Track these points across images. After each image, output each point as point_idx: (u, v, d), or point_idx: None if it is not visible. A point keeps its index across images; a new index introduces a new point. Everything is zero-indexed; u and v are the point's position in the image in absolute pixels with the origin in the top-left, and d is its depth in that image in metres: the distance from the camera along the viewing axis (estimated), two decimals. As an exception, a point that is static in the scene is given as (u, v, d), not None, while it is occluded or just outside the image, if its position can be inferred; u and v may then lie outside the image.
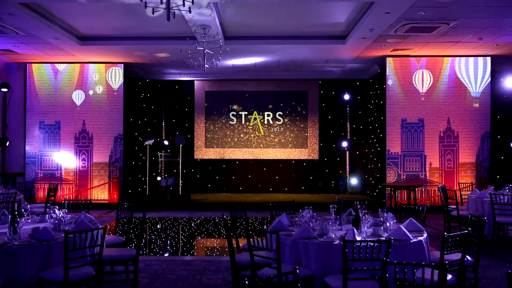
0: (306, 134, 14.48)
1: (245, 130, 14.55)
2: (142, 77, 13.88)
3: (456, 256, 4.42)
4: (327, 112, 14.48)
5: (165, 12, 6.26)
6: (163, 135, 14.31)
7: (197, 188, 14.31)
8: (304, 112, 14.50)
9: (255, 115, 14.55)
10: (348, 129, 14.38)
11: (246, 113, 14.56)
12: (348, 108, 14.35)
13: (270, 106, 14.53)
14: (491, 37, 9.76)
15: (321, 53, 11.38)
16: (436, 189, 11.22)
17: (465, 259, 4.50)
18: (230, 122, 14.56)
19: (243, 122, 14.55)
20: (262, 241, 4.48)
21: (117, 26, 9.69)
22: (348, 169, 14.25)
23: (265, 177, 14.48)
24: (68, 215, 5.25)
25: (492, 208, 7.20)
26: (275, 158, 14.49)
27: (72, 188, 12.33)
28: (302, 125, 14.52)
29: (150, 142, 13.02)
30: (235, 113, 14.57)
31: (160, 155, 13.25)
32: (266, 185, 14.45)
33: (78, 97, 12.30)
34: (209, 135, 14.57)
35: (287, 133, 14.53)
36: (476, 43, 10.29)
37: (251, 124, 14.55)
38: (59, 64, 12.32)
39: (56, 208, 5.49)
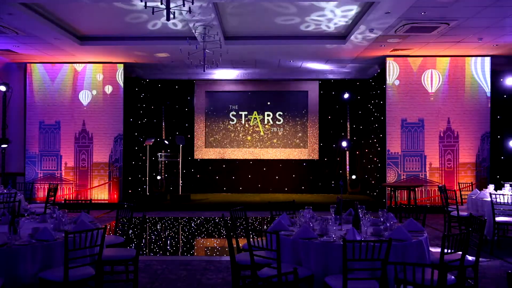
0: (306, 134, 14.48)
1: (245, 130, 14.55)
2: (142, 77, 13.88)
3: (456, 256, 4.42)
4: (327, 112, 14.48)
5: (165, 12, 6.26)
6: (163, 135, 14.31)
7: (197, 188, 14.31)
8: (304, 112, 14.50)
9: (255, 115, 14.55)
10: (348, 129, 14.37)
11: (246, 113, 14.56)
12: (348, 108, 14.34)
13: (270, 106, 14.53)
14: (491, 37, 9.77)
15: (321, 53, 11.37)
16: (436, 189, 11.22)
17: (465, 259, 4.50)
18: (230, 122, 14.56)
19: (243, 122, 14.55)
20: (262, 241, 4.48)
21: (117, 26, 9.70)
22: (348, 169, 14.24)
23: (265, 177, 14.48)
24: (68, 215, 5.25)
25: (492, 208, 7.20)
26: (275, 158, 14.49)
27: (72, 188, 12.33)
28: (302, 125, 14.52)
29: (150, 142, 13.02)
30: (235, 113, 14.57)
31: (160, 155, 13.25)
32: (266, 185, 14.45)
33: (84, 97, 12.31)
34: (209, 135, 14.57)
35: (287, 133, 14.53)
36: (476, 43, 10.30)
37: (251, 124, 14.55)
38: (59, 64, 12.32)
39: (56, 208, 5.49)
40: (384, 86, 11.80)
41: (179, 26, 9.35)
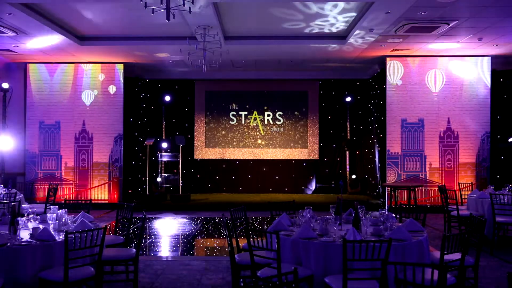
0: (306, 134, 14.48)
1: (245, 130, 14.55)
2: (142, 77, 13.88)
3: (456, 256, 4.42)
4: (327, 112, 14.48)
5: (165, 12, 6.26)
6: (163, 135, 14.31)
7: (197, 188, 14.31)
8: (304, 112, 14.50)
9: (255, 115, 14.54)
10: (348, 129, 14.37)
11: (246, 113, 14.55)
12: (348, 108, 14.34)
13: (270, 106, 14.52)
14: (491, 37, 9.76)
15: (321, 53, 11.37)
16: (436, 189, 11.21)
17: (465, 259, 4.49)
18: (230, 122, 14.55)
19: (243, 122, 14.54)
20: (262, 241, 4.48)
21: (117, 26, 9.69)
22: (348, 169, 14.24)
23: (265, 177, 14.48)
24: (68, 215, 5.25)
25: (492, 208, 7.19)
26: (275, 158, 14.48)
27: (72, 188, 12.33)
28: (302, 125, 14.52)
29: (150, 142, 13.02)
30: (235, 113, 14.57)
31: (160, 155, 13.25)
32: (266, 185, 14.45)
33: (87, 97, 12.31)
34: (209, 135, 14.57)
35: (287, 133, 14.52)
36: (476, 43, 10.29)
37: (251, 124, 14.55)
38: (59, 64, 12.32)
39: (56, 208, 5.49)
40: (384, 86, 11.80)
41: (179, 28, 9.35)
